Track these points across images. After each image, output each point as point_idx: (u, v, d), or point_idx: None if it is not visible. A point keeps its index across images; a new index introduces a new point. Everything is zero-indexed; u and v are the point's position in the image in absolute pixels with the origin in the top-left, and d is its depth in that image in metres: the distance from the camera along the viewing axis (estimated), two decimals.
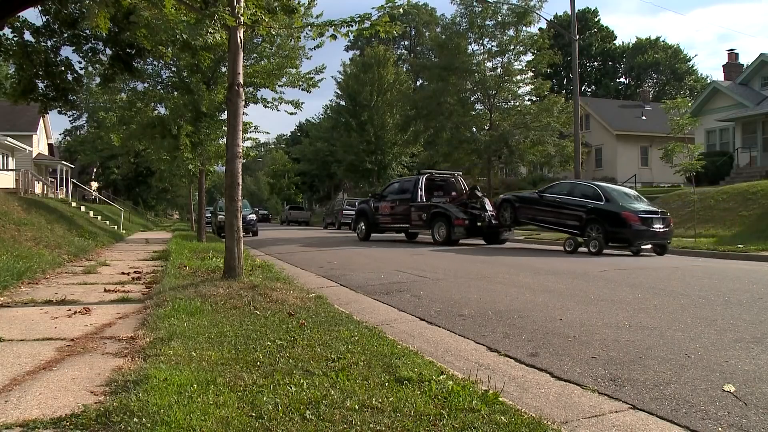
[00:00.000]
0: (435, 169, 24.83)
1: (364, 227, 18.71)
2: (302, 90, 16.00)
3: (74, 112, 41.89)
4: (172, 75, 16.04)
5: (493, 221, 15.74)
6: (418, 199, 16.82)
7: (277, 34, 11.64)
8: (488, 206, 16.16)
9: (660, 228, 12.18)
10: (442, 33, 28.33)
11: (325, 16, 13.51)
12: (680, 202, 18.82)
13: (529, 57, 26.62)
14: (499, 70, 25.69)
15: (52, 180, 33.58)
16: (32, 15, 46.64)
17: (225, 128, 9.89)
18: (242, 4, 6.67)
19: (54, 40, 9.84)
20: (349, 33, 6.62)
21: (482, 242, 16.18)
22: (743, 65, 30.20)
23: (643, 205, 12.77)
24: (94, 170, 50.84)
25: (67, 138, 51.62)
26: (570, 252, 12.66)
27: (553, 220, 14.03)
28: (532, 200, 14.84)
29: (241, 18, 6.56)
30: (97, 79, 11.79)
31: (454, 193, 17.81)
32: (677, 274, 8.35)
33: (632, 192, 14.15)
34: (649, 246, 12.50)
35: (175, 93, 15.69)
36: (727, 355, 3.82)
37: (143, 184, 50.59)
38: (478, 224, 15.68)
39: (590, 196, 13.15)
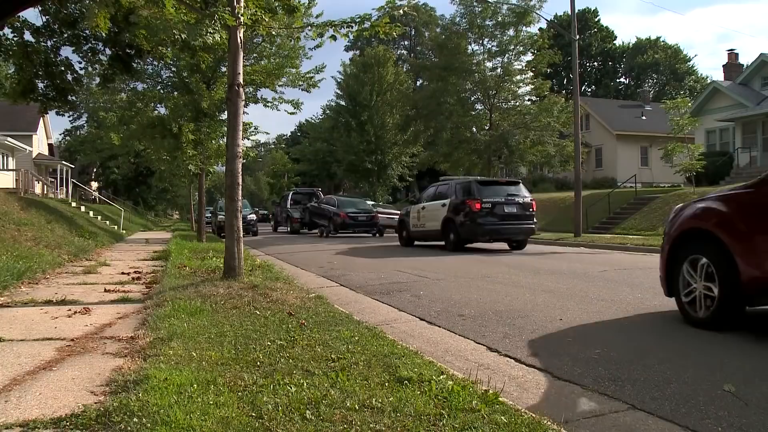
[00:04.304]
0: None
1: (273, 223, 31.25)
2: (302, 90, 16.06)
3: (74, 112, 41.94)
4: (172, 75, 16.05)
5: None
6: (287, 206, 27.37)
7: (277, 34, 11.64)
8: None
9: (364, 220, 21.69)
10: (441, 33, 28.32)
11: (325, 16, 13.56)
12: (680, 201, 18.80)
13: (529, 57, 26.59)
14: (499, 70, 25.65)
15: (52, 180, 33.59)
16: (32, 15, 46.60)
17: (225, 128, 9.90)
18: (242, 4, 6.67)
19: (54, 40, 9.83)
20: (349, 34, 6.61)
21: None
22: (743, 65, 30.23)
23: (355, 209, 22.04)
24: (94, 170, 50.85)
25: (67, 138, 51.64)
26: (320, 236, 21.96)
27: (322, 220, 22.58)
28: (315, 207, 23.77)
29: (241, 18, 6.56)
30: (97, 80, 11.79)
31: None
32: None
33: (358, 200, 25.06)
34: (378, 230, 22.15)
35: (175, 93, 15.70)
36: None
37: (143, 184, 50.62)
38: (305, 221, 24.87)
39: (332, 204, 22.54)
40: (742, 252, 4.24)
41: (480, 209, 12.69)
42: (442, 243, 13.87)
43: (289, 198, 27.87)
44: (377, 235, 22.03)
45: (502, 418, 2.52)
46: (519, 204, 13.12)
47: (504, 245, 14.13)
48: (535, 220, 13.55)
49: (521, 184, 14.02)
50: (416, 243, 15.45)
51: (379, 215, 22.72)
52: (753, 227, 4.25)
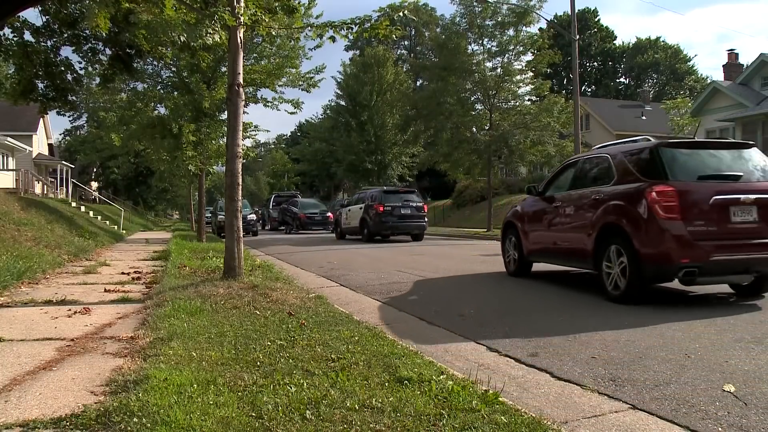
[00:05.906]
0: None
1: (261, 222, 32.47)
2: (302, 90, 16.07)
3: (74, 112, 41.87)
4: (172, 75, 16.04)
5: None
6: (270, 208, 32.59)
7: (277, 35, 11.62)
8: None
9: (319, 220, 26.19)
10: (441, 33, 28.26)
11: (325, 16, 13.54)
12: None
13: (529, 57, 26.53)
14: (498, 70, 25.59)
15: (52, 180, 33.58)
16: (32, 15, 46.60)
17: (225, 128, 9.89)
18: (242, 4, 6.67)
19: (54, 40, 9.80)
20: (349, 35, 6.61)
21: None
22: (743, 65, 30.19)
23: (313, 210, 26.82)
24: (94, 170, 50.83)
25: (67, 138, 51.67)
26: (286, 233, 26.08)
27: (289, 219, 27.05)
28: (286, 209, 27.87)
29: (241, 18, 6.56)
30: (97, 80, 11.77)
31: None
32: None
33: (318, 203, 30.33)
34: (330, 229, 24.79)
35: (175, 93, 15.69)
36: None
37: (143, 184, 50.58)
38: (280, 220, 28.68)
39: (296, 206, 27.07)
40: (523, 233, 7.80)
41: (383, 211, 17.09)
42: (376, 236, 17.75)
43: (272, 200, 33.35)
44: (328, 232, 25.55)
45: (502, 418, 2.52)
46: (413, 207, 17.67)
47: (408, 237, 18.16)
48: (426, 219, 18.16)
49: (416, 192, 19.31)
50: (347, 237, 19.61)
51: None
52: (526, 220, 7.83)
